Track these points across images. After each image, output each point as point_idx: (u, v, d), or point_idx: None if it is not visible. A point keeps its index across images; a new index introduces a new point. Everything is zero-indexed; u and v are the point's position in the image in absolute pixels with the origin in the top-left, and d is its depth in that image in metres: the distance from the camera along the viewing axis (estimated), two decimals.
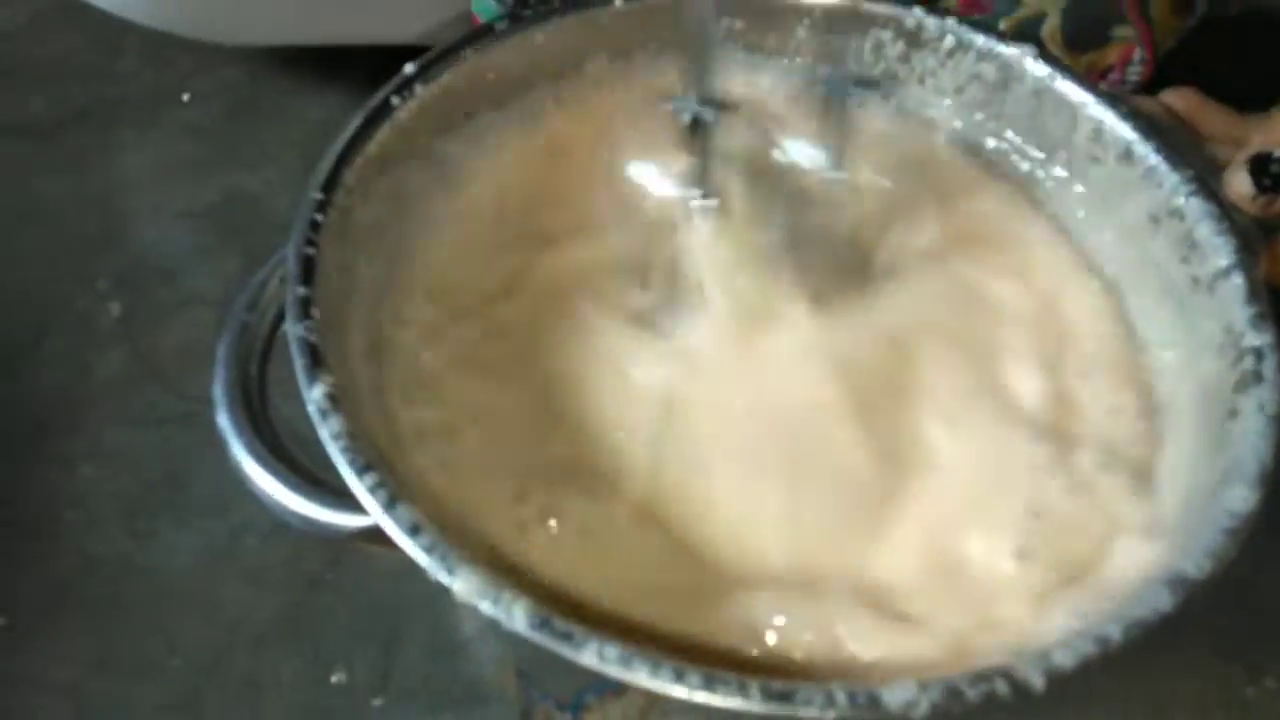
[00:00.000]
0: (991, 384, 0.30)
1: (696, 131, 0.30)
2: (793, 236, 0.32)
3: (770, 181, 0.32)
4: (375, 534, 0.24)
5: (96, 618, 0.34)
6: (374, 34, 0.45)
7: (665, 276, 0.32)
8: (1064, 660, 0.21)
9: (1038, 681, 0.21)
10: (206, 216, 0.45)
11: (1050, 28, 0.44)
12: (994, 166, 0.36)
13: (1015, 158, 0.36)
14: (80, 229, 0.44)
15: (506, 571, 0.25)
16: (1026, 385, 0.30)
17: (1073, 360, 0.31)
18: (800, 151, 0.33)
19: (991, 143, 0.36)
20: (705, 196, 0.31)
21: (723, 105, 0.30)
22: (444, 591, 0.22)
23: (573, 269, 0.33)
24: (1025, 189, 0.36)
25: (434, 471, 0.28)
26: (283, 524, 0.25)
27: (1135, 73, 0.45)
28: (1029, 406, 0.30)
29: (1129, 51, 0.44)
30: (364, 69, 0.33)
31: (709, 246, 0.31)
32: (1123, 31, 0.44)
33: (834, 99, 0.32)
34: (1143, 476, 0.28)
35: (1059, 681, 0.21)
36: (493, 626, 0.22)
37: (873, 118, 0.36)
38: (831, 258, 0.32)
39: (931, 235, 0.34)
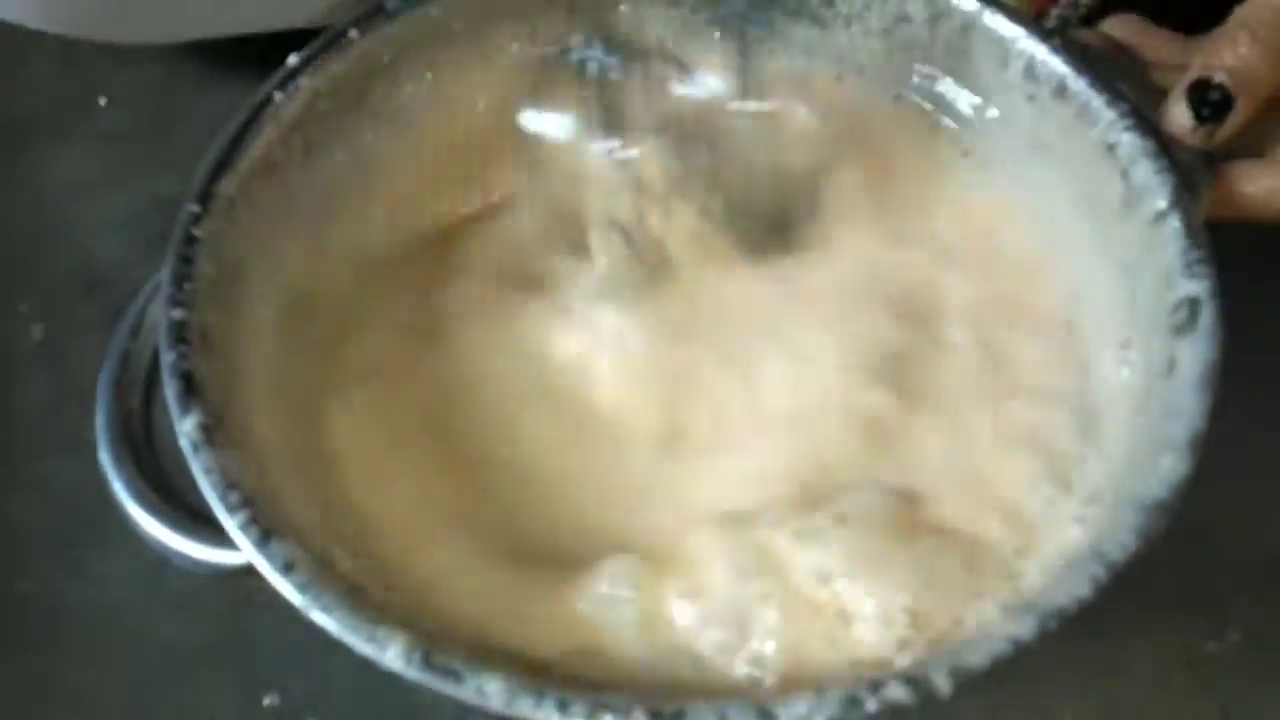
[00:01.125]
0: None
1: (595, 78, 0.28)
2: (715, 180, 0.30)
3: (683, 121, 0.30)
4: (255, 570, 0.23)
5: (30, 655, 0.33)
6: (281, 20, 0.43)
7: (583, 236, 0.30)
8: (973, 660, 0.20)
9: (944, 685, 0.19)
10: (129, 226, 0.44)
11: None
12: (926, 112, 0.34)
13: (949, 100, 0.34)
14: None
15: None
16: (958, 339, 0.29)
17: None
18: (705, 84, 0.31)
19: (923, 85, 0.34)
20: (621, 146, 0.29)
21: (620, 47, 0.28)
22: None
23: (489, 251, 0.32)
24: (959, 134, 0.34)
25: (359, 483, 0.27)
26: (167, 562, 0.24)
27: None
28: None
29: None
30: (286, 50, 0.32)
31: (631, 200, 0.29)
32: None
33: (731, 30, 0.30)
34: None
35: (969, 683, 0.19)
36: None
37: (795, 62, 0.34)
38: (757, 202, 0.31)
39: (857, 180, 0.32)
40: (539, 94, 0.30)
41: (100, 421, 0.26)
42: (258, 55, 0.41)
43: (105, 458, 0.25)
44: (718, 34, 0.32)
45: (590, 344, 0.29)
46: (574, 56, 0.29)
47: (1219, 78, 0.29)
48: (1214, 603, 0.31)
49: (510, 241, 0.33)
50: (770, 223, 0.31)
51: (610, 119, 0.29)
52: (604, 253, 0.30)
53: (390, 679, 0.30)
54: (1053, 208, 0.31)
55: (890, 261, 0.31)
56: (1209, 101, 0.29)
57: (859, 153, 0.33)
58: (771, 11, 0.33)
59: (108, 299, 0.42)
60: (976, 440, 0.27)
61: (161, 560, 0.34)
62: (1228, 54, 0.29)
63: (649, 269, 0.30)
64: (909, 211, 0.32)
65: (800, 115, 0.32)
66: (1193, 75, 0.29)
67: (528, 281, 0.32)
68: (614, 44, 0.29)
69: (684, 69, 0.31)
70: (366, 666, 0.30)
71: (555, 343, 0.30)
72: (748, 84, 0.31)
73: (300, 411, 0.28)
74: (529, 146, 0.31)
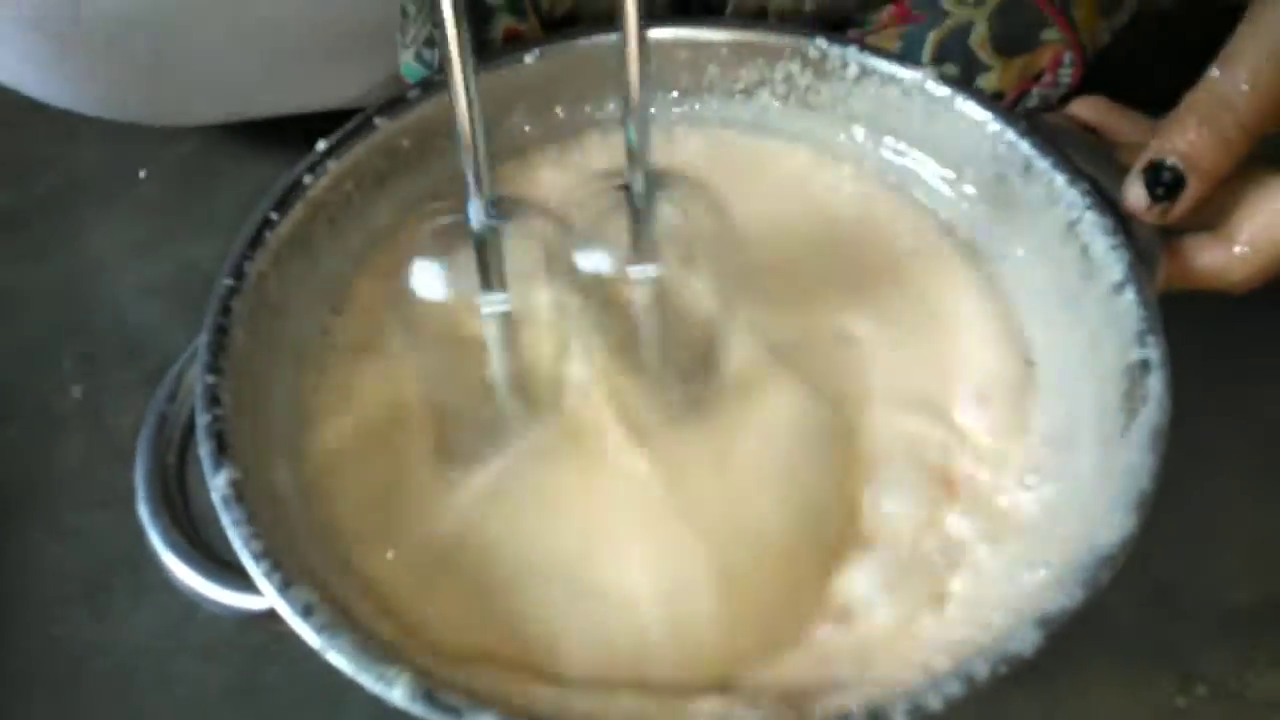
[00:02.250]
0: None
1: (480, 236, 0.27)
2: (620, 343, 0.29)
3: (581, 286, 0.28)
4: (276, 615, 0.25)
5: (59, 698, 0.35)
6: (313, 103, 0.46)
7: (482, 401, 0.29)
8: (929, 701, 0.21)
9: None
10: (165, 292, 0.47)
11: (978, 36, 0.44)
12: (902, 187, 0.37)
13: (927, 178, 0.37)
14: (43, 314, 0.46)
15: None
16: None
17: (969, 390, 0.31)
18: (600, 256, 0.28)
19: (902, 163, 0.37)
20: (496, 299, 0.27)
21: (506, 205, 0.27)
22: None
23: None
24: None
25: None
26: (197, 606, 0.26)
27: (1067, 75, 0.45)
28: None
29: (1059, 54, 0.44)
30: (312, 130, 0.34)
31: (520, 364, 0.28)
32: (1051, 35, 0.44)
33: (636, 202, 0.27)
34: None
35: None
36: None
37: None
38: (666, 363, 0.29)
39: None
40: (427, 253, 0.28)
41: (139, 477, 0.28)
42: (286, 135, 0.44)
43: (143, 510, 0.28)
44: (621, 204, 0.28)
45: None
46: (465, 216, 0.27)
47: (1171, 159, 0.31)
48: (1182, 659, 0.32)
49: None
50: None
51: (496, 276, 0.27)
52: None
53: None
54: (1024, 279, 0.33)
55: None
56: (1163, 181, 0.31)
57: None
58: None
59: (144, 361, 0.45)
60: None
61: (187, 609, 0.36)
62: (1179, 138, 0.31)
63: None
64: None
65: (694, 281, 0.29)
66: (1148, 157, 0.31)
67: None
68: (503, 204, 0.27)
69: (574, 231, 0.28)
70: (376, 713, 0.32)
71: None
72: (642, 248, 0.28)
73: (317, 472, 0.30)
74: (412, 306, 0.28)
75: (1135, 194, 0.31)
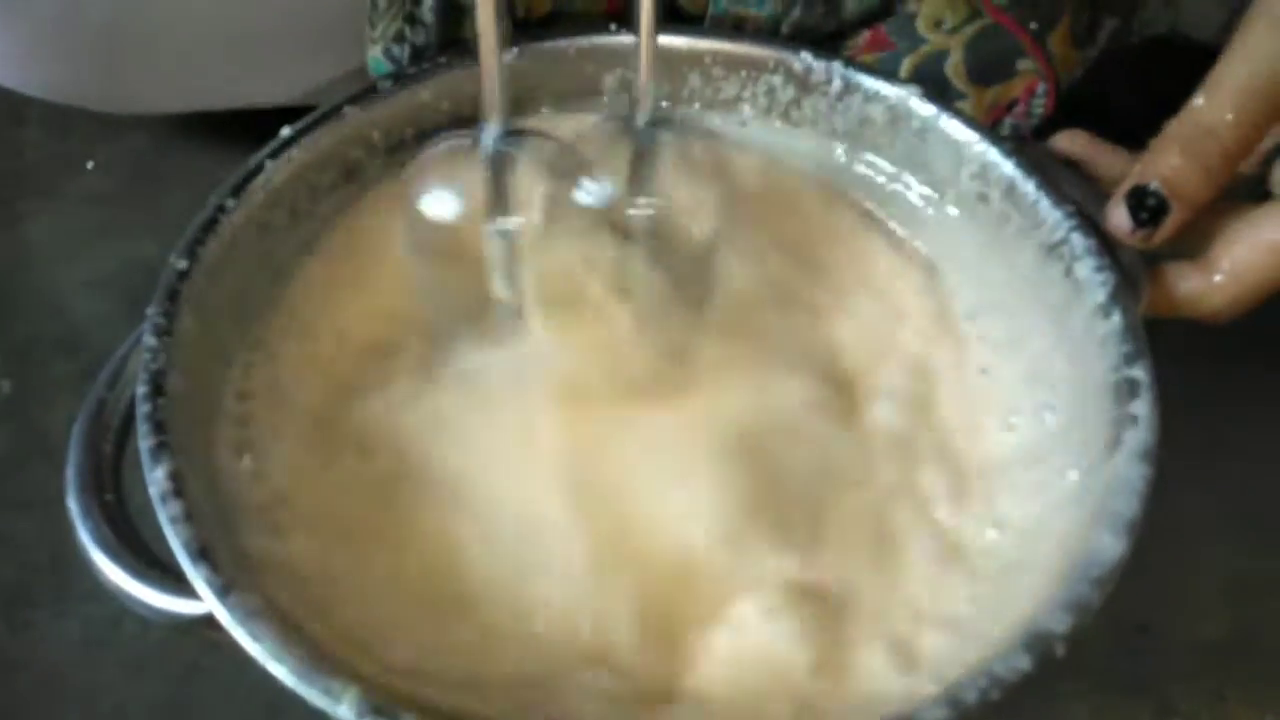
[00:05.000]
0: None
1: (496, 161, 0.28)
2: (610, 263, 0.30)
3: (580, 213, 0.29)
4: (214, 621, 0.23)
5: None
6: (270, 97, 0.45)
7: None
8: None
9: None
10: (106, 286, 0.44)
11: (954, 64, 0.44)
12: (882, 204, 0.36)
13: (909, 196, 0.36)
14: None
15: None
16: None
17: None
18: (604, 188, 0.29)
19: (883, 181, 0.36)
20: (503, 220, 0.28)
21: (523, 134, 0.28)
22: None
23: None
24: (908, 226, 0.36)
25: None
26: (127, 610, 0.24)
27: (1039, 105, 0.45)
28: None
29: (1033, 85, 0.45)
30: (270, 126, 0.33)
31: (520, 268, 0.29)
32: (1026, 64, 0.44)
33: (639, 141, 0.30)
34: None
35: None
36: None
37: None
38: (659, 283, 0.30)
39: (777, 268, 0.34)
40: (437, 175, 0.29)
41: (71, 467, 0.26)
42: (239, 130, 0.43)
43: (72, 504, 0.25)
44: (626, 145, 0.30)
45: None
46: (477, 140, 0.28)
47: (1154, 184, 0.31)
48: (1156, 692, 0.32)
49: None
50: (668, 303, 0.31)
51: (504, 199, 0.29)
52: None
53: None
54: (1009, 301, 0.33)
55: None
56: (1146, 206, 0.31)
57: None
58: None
59: (79, 357, 0.42)
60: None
61: (113, 620, 0.33)
62: (1163, 164, 0.31)
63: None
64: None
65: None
66: (1131, 182, 0.31)
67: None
68: (514, 133, 0.28)
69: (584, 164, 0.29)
70: None
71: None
72: (644, 185, 0.30)
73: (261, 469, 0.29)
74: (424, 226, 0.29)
75: (1119, 217, 0.31)
